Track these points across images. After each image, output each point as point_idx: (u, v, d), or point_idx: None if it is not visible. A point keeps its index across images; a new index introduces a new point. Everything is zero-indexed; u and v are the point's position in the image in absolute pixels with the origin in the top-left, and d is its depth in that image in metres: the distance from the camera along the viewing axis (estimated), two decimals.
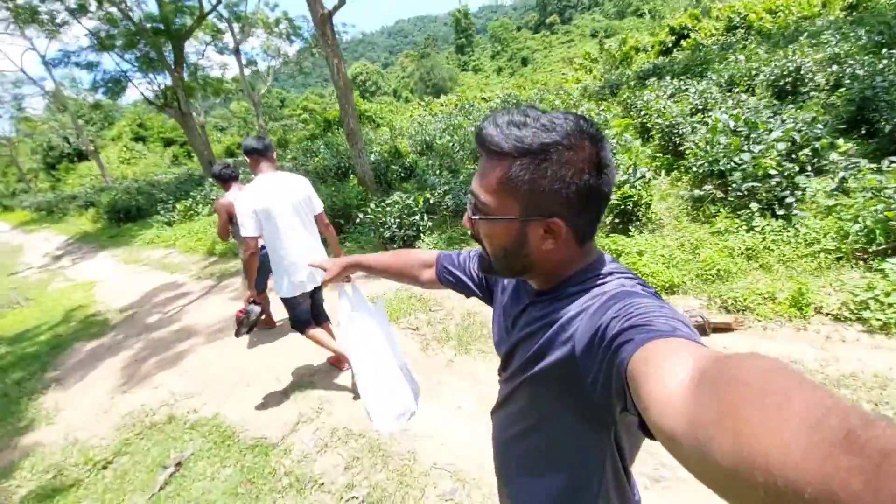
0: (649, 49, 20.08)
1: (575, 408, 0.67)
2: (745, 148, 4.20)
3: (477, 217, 0.69)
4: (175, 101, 12.37)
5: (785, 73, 6.81)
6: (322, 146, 13.01)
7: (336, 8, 7.06)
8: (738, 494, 0.30)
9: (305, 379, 3.28)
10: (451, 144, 8.92)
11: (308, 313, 2.92)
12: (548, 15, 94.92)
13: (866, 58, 6.13)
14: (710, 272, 3.46)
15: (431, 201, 5.46)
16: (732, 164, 4.21)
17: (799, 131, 4.26)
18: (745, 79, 7.72)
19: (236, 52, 17.09)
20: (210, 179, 11.66)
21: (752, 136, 4.32)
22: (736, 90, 7.43)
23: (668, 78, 9.61)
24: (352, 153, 7.75)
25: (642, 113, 7.60)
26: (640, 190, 4.29)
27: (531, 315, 0.74)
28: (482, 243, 0.72)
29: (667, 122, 6.23)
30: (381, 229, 5.28)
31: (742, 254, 3.58)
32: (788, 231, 3.55)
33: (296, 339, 3.73)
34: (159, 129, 36.28)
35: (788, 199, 3.68)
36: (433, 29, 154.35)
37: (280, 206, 2.54)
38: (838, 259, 3.25)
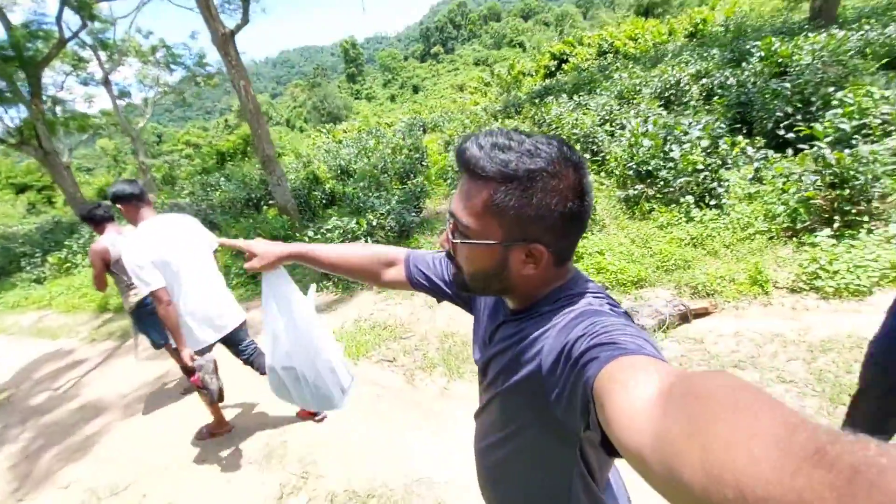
0: (534, 73, 21.95)
1: (541, 422, 0.68)
2: (668, 148, 4.59)
3: (458, 241, 0.67)
4: (34, 138, 10.32)
5: (668, 85, 7.75)
6: (222, 179, 11.85)
7: (239, 27, 6.50)
8: None
9: (274, 439, 2.72)
10: (377, 167, 8.63)
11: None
12: (432, 45, 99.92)
13: (727, 72, 7.24)
14: (668, 263, 3.63)
15: (374, 223, 5.12)
16: (658, 163, 4.56)
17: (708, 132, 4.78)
18: (632, 92, 8.67)
19: (106, 82, 14.92)
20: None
21: (669, 137, 4.75)
22: (627, 102, 8.29)
23: (564, 96, 10.42)
24: (269, 181, 7.07)
25: (553, 126, 8.09)
26: None
27: (505, 332, 0.76)
28: (458, 264, 0.72)
29: (583, 132, 6.67)
30: None
31: (689, 243, 3.84)
32: (724, 218, 3.90)
33: (251, 391, 3.14)
34: (8, 173, 30.34)
35: (718, 190, 4.06)
36: (320, 59, 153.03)
37: (177, 251, 2.31)
38: (770, 239, 3.63)
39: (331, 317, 4.26)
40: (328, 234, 4.89)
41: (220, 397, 2.46)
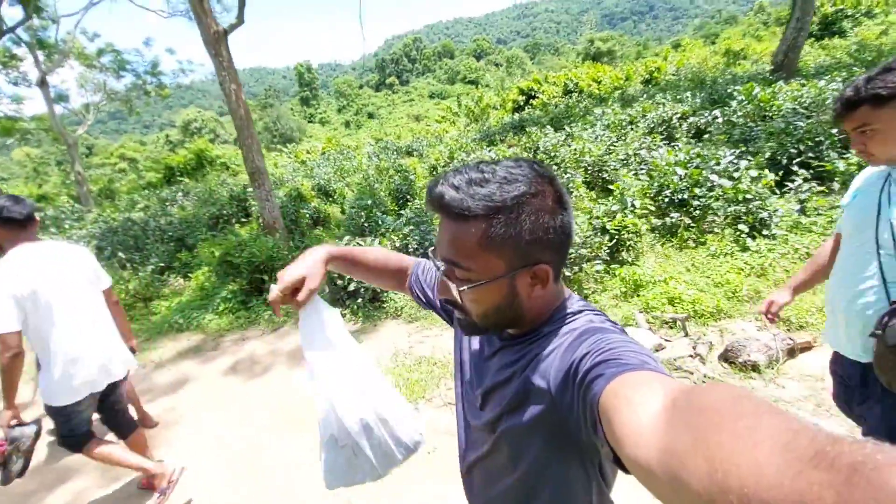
0: (499, 107, 22.60)
1: (559, 447, 0.66)
2: (705, 176, 4.54)
3: (465, 288, 0.64)
4: None
5: (660, 121, 8.02)
6: (179, 193, 10.72)
7: (233, 26, 5.90)
8: None
9: None
10: (371, 186, 8.13)
11: (89, 423, 2.21)
12: (387, 76, 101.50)
13: (716, 111, 7.61)
14: (739, 294, 3.45)
15: (397, 244, 4.60)
16: (703, 191, 4.49)
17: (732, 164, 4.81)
18: (618, 127, 8.92)
19: (42, 83, 13.18)
20: None
21: (704, 167, 4.73)
22: (623, 135, 8.47)
23: (549, 127, 10.57)
24: (257, 195, 6.33)
25: (551, 154, 8.06)
26: (633, 219, 4.25)
27: (505, 359, 0.73)
28: (464, 309, 0.69)
29: (592, 160, 6.63)
30: (342, 282, 4.19)
31: (749, 273, 3.70)
32: (782, 247, 3.81)
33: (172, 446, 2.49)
34: None
35: (767, 220, 4.01)
36: (271, 81, 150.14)
37: (54, 285, 2.00)
38: None
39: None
40: None
41: (16, 477, 1.95)
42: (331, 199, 9.22)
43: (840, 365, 1.47)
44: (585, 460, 0.67)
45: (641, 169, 5.94)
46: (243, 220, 8.47)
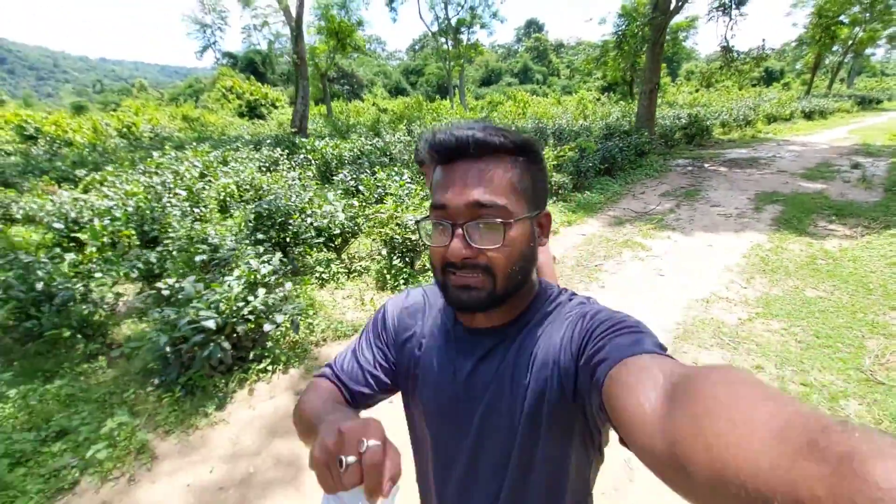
0: None
1: (580, 432, 0.64)
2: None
3: (512, 220, 0.59)
4: None
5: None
6: None
7: None
8: None
9: None
10: None
11: None
12: None
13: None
14: None
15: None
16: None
17: None
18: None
19: None
20: None
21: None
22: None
23: None
24: None
25: None
26: None
27: (491, 367, 0.67)
28: (488, 267, 0.61)
29: None
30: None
31: None
32: None
33: None
34: None
35: None
36: None
37: None
38: None
39: None
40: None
41: None
42: None
43: None
44: (587, 440, 0.66)
45: None
46: None
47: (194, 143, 11.88)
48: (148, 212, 5.06)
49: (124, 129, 17.47)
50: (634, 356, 0.49)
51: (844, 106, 24.41)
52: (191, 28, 24.24)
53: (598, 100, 25.70)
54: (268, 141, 11.46)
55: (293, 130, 12.85)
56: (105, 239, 4.47)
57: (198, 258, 3.74)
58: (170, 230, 4.74)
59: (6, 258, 3.47)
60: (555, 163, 7.65)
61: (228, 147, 10.87)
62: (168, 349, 2.72)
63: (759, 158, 11.12)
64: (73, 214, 5.16)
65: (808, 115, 20.73)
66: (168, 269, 3.85)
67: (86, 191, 7.41)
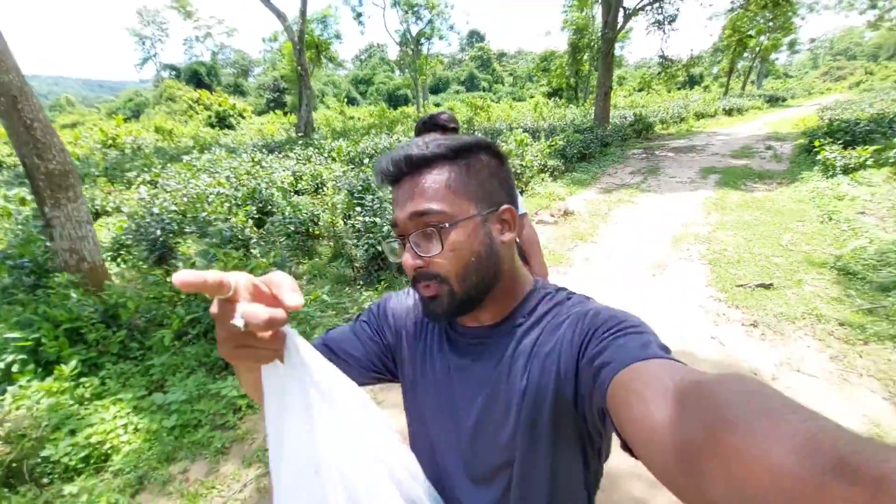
0: None
1: (579, 435, 0.63)
2: None
3: (446, 225, 0.60)
4: None
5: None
6: None
7: None
8: None
9: None
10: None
11: None
12: None
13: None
14: None
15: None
16: None
17: None
18: None
19: None
20: None
21: None
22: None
23: None
24: (51, 221, 3.89)
25: None
26: None
27: (486, 369, 0.67)
28: (440, 272, 0.62)
29: None
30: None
31: None
32: None
33: None
34: None
35: None
36: None
37: None
38: None
39: None
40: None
41: None
42: None
43: None
44: (586, 444, 0.64)
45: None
46: None
47: (200, 150, 12.73)
48: (256, 194, 6.42)
49: (109, 141, 17.72)
50: (641, 361, 0.48)
51: (757, 104, 28.59)
52: (128, 40, 24.23)
53: (547, 104, 28.46)
54: (284, 145, 12.59)
55: (300, 134, 14.02)
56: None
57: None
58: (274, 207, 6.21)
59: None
60: (548, 150, 9.62)
61: (247, 151, 11.94)
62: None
63: (696, 146, 13.73)
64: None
65: (729, 112, 24.32)
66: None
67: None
